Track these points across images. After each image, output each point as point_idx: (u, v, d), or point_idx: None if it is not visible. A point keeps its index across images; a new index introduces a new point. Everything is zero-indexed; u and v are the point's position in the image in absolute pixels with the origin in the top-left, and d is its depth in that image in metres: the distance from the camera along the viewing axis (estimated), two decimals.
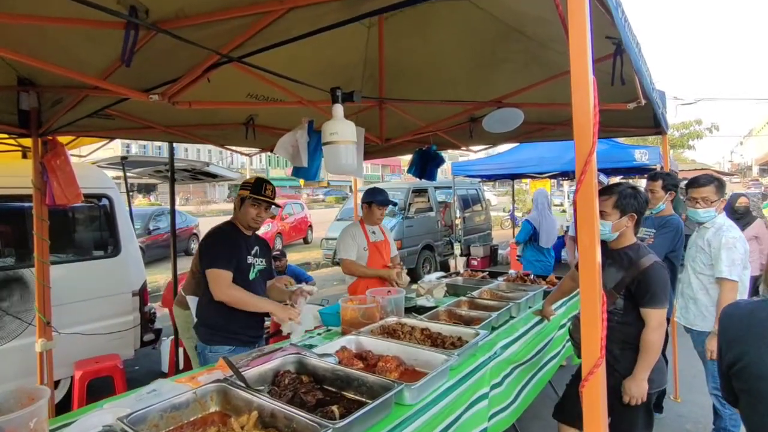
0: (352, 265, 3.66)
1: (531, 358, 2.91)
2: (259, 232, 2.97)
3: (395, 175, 56.35)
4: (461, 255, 10.27)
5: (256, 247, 2.75)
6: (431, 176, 4.64)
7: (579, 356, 2.33)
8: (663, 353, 3.60)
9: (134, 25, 1.65)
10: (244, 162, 38.10)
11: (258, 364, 2.06)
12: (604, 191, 2.27)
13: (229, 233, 2.68)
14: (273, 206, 2.77)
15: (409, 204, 10.35)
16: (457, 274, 4.59)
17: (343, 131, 2.10)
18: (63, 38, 1.95)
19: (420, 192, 10.94)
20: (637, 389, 2.13)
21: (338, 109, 2.15)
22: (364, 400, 1.81)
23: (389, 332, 2.56)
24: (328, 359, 2.11)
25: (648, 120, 3.51)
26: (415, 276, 8.34)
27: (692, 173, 10.79)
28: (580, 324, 2.18)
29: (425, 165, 4.59)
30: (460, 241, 10.77)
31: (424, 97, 3.36)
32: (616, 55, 2.13)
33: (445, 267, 10.27)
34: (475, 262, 9.90)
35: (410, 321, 2.72)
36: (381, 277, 3.66)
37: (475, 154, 7.71)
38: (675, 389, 3.95)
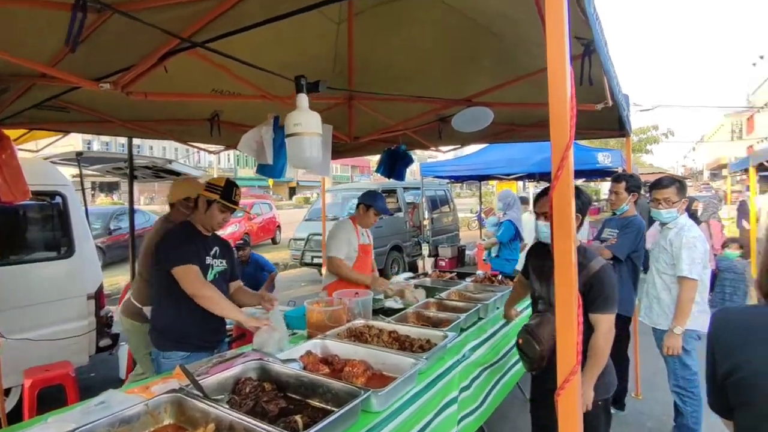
0: (341, 265, 3.51)
1: (499, 359, 2.90)
2: (226, 233, 2.85)
3: (364, 176, 56.32)
4: (429, 256, 10.31)
5: (216, 248, 2.64)
6: (400, 176, 4.60)
7: (529, 370, 2.24)
8: (625, 352, 3.70)
9: (81, 6, 1.52)
10: (211, 161, 37.22)
11: (218, 371, 1.95)
12: (546, 192, 2.22)
13: (187, 232, 2.56)
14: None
15: None
16: (426, 275, 4.57)
17: (307, 122, 2.01)
18: (13, 23, 1.79)
19: (389, 193, 10.91)
20: (584, 397, 2.06)
21: (303, 98, 2.07)
22: (329, 408, 1.74)
23: (356, 335, 2.49)
24: (293, 365, 2.02)
25: (613, 122, 3.57)
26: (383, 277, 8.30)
27: (650, 176, 11.22)
28: (530, 336, 2.13)
29: (394, 164, 4.55)
30: (428, 242, 10.81)
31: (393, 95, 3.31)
32: (585, 56, 2.13)
33: (413, 268, 10.28)
34: (443, 263, 9.93)
35: (378, 324, 2.66)
36: (365, 285, 3.49)
37: (444, 155, 7.76)
38: (636, 387, 4.04)
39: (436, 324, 2.82)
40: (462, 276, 4.37)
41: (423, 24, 2.53)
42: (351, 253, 3.60)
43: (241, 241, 6.02)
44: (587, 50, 2.09)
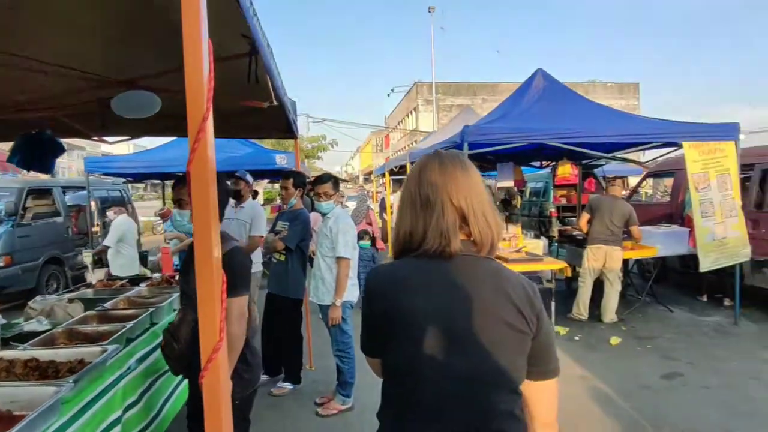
0: None
1: None
2: None
3: (9, 174, 42.81)
4: (101, 266, 8.77)
5: None
6: (45, 168, 3.70)
7: (175, 373, 2.17)
8: (299, 331, 4.12)
9: None
10: None
11: None
12: (180, 181, 2.25)
13: None
14: None
15: (25, 208, 8.07)
16: (89, 285, 3.87)
17: None
18: None
19: (40, 193, 8.69)
20: None
21: None
22: None
23: None
24: None
25: (282, 124, 3.89)
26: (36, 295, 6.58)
27: None
28: (170, 336, 2.04)
29: (33, 153, 3.62)
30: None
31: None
32: (252, 55, 2.23)
33: (81, 282, 8.53)
34: None
35: (8, 354, 2.07)
36: None
37: (121, 149, 6.78)
38: (310, 360, 4.55)
39: (94, 339, 2.40)
40: (136, 282, 3.91)
41: None
42: None
43: None
44: (253, 50, 2.19)
